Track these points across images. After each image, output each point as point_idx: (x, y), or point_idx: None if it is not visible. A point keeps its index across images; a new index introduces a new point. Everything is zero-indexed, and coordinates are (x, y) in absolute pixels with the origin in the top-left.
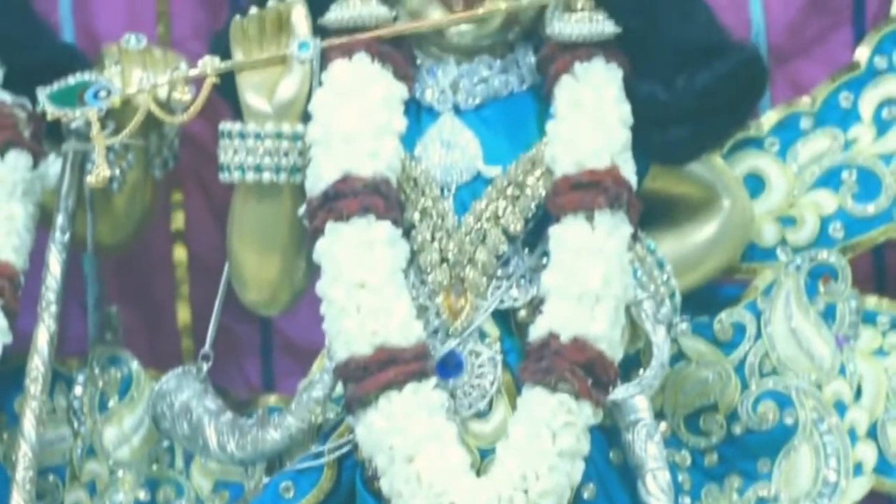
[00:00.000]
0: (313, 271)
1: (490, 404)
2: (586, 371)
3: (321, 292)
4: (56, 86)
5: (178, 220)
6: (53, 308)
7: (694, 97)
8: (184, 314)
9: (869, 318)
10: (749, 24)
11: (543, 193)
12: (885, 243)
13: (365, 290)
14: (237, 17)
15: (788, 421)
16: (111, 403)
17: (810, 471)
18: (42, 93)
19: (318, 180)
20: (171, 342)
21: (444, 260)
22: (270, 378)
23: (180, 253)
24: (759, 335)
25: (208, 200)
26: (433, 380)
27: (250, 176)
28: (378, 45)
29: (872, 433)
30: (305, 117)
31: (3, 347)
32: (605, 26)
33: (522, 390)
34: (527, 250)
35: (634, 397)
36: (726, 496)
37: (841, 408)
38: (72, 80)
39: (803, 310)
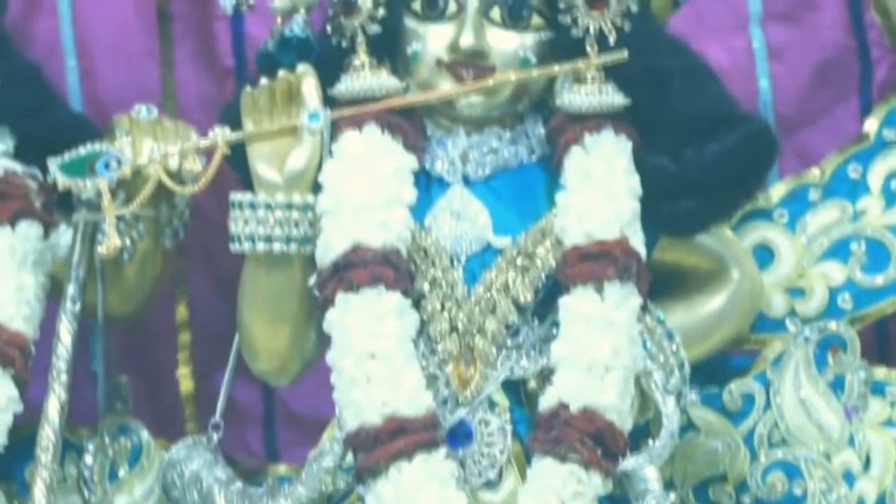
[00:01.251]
0: (323, 341)
1: (500, 474)
2: (596, 441)
3: (331, 362)
4: (67, 156)
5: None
6: (64, 377)
7: (703, 169)
8: (186, 383)
9: (878, 389)
10: (757, 95)
11: (553, 264)
12: (893, 314)
13: (375, 360)
14: (248, 87)
15: (797, 491)
16: (121, 473)
17: None
18: (53, 163)
19: (329, 251)
20: (174, 410)
21: (453, 330)
22: (273, 447)
23: (184, 321)
24: (768, 406)
25: (213, 271)
26: (443, 450)
27: (261, 246)
28: (388, 116)
29: None
30: (316, 188)
31: (14, 417)
32: (614, 98)
33: (532, 460)
34: (536, 320)
35: (644, 467)
36: None
37: (850, 478)
38: (83, 150)
39: (812, 380)
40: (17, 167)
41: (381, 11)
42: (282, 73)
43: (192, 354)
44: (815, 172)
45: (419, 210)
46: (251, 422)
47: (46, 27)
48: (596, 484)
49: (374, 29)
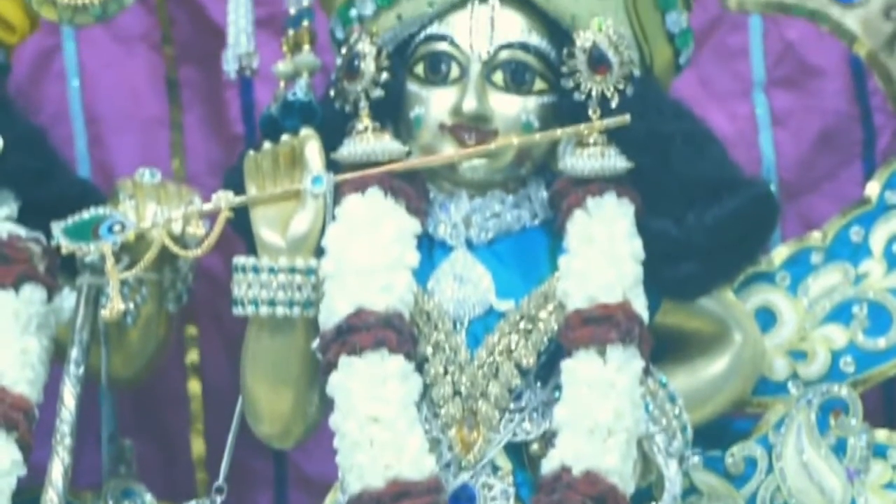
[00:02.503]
0: (326, 405)
1: None
2: None
3: (334, 426)
4: (71, 220)
5: (193, 354)
6: (68, 441)
7: (704, 234)
8: (198, 447)
9: (879, 452)
10: (760, 161)
11: (556, 328)
12: (895, 377)
13: (378, 423)
14: (251, 151)
15: None
16: None
17: None
18: (57, 227)
19: (332, 314)
20: (185, 475)
21: (456, 393)
22: None
23: (195, 386)
24: (770, 469)
25: (223, 334)
26: None
27: (264, 310)
28: (391, 180)
29: None
30: (319, 252)
31: (18, 480)
32: (617, 162)
33: None
34: (539, 384)
35: None
36: None
37: None
38: (86, 214)
39: (815, 444)
40: (21, 231)
41: (384, 76)
42: (285, 137)
43: (203, 417)
44: (817, 236)
45: (422, 274)
46: (262, 485)
47: (55, 92)
48: None
49: (377, 93)
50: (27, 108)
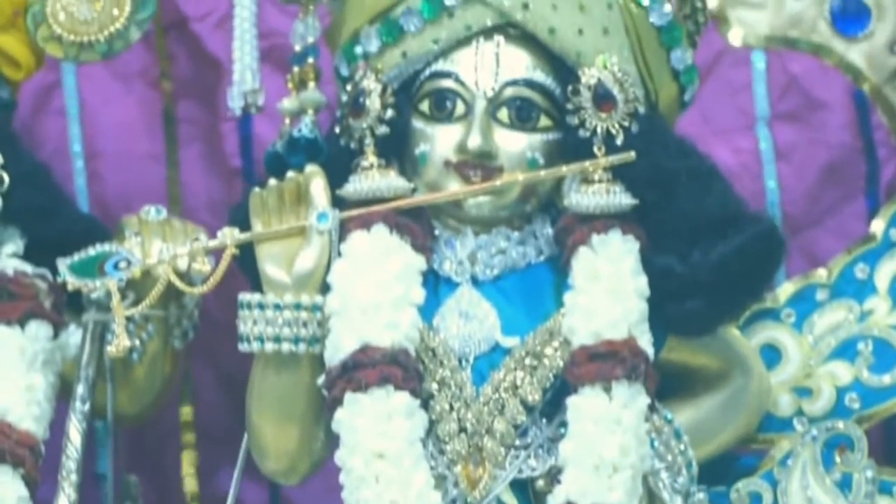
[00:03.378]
0: (332, 441)
1: None
2: None
3: (340, 462)
4: (76, 256)
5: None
6: (73, 477)
7: (709, 270)
8: (191, 484)
9: (885, 489)
10: (764, 196)
11: (561, 364)
12: None
13: (383, 460)
14: (256, 188)
15: None
16: None
17: None
18: (62, 263)
19: (337, 351)
20: None
21: (462, 430)
22: None
23: (189, 421)
24: None
25: (218, 371)
26: None
27: (269, 346)
28: (396, 217)
29: None
30: (324, 288)
31: None
32: (621, 198)
33: None
34: (545, 420)
35: None
36: None
37: None
38: (92, 250)
39: (820, 480)
40: (27, 268)
41: (390, 113)
42: (290, 173)
43: (197, 455)
44: (822, 273)
45: (427, 310)
46: None
47: (54, 128)
48: None
49: (383, 130)
50: (29, 144)
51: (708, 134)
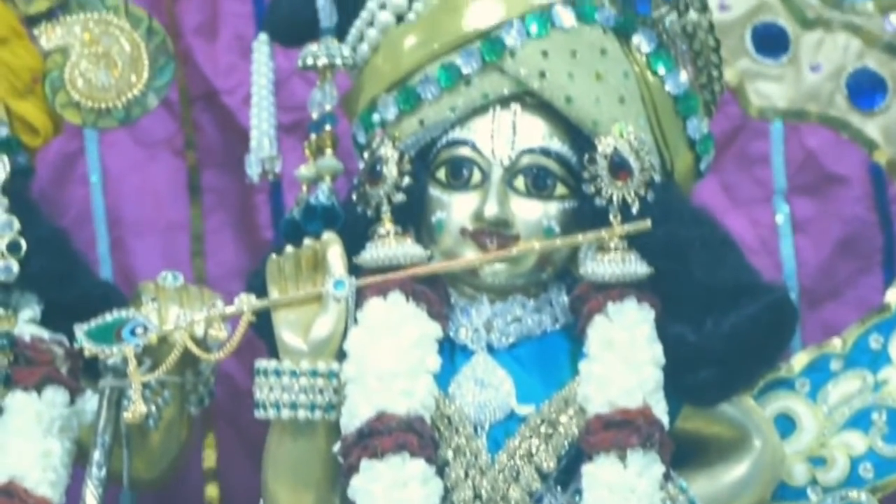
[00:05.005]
0: None
1: None
2: None
3: None
4: (93, 322)
5: (210, 458)
6: None
7: (723, 340)
8: None
9: None
10: (781, 267)
11: (576, 432)
12: None
13: None
14: (273, 255)
15: None
16: None
17: None
18: (79, 329)
19: (353, 418)
20: None
21: (477, 497)
22: None
23: (213, 490)
24: None
25: (241, 437)
26: None
27: (285, 413)
28: (413, 284)
29: None
30: (341, 355)
31: None
32: (637, 267)
33: None
34: (559, 488)
35: None
36: None
37: None
38: (109, 316)
39: None
40: (44, 333)
41: (406, 180)
42: (307, 240)
43: None
44: (836, 343)
45: (443, 378)
46: None
47: (78, 196)
48: None
49: (399, 198)
50: (51, 210)
51: (726, 206)
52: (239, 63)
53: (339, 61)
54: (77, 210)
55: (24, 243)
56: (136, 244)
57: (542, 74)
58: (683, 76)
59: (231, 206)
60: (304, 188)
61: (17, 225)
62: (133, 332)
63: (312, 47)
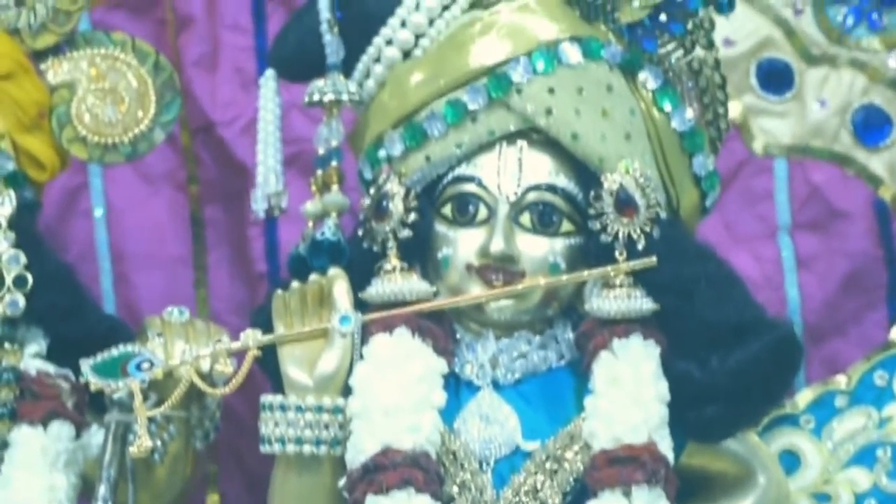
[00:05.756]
0: None
1: None
2: None
3: None
4: (99, 357)
5: (214, 496)
6: None
7: (727, 377)
8: None
9: None
10: (785, 303)
11: (581, 468)
12: None
13: None
14: (279, 290)
15: None
16: None
17: None
18: (85, 364)
19: (359, 453)
20: None
21: None
22: None
23: None
24: None
25: (244, 472)
26: None
27: (291, 448)
28: (418, 320)
29: None
30: (346, 390)
31: None
32: (643, 303)
33: None
34: None
35: None
36: None
37: None
38: (115, 351)
39: None
40: (50, 368)
41: (412, 216)
42: (313, 276)
43: None
44: (841, 379)
45: (449, 413)
46: None
47: (81, 231)
48: None
49: (405, 233)
50: (55, 245)
51: (730, 242)
52: (238, 96)
53: (345, 97)
54: (80, 244)
55: (30, 278)
56: (139, 278)
57: (549, 111)
58: (689, 113)
59: (228, 239)
60: (310, 224)
61: (23, 259)
62: (139, 367)
63: (319, 83)
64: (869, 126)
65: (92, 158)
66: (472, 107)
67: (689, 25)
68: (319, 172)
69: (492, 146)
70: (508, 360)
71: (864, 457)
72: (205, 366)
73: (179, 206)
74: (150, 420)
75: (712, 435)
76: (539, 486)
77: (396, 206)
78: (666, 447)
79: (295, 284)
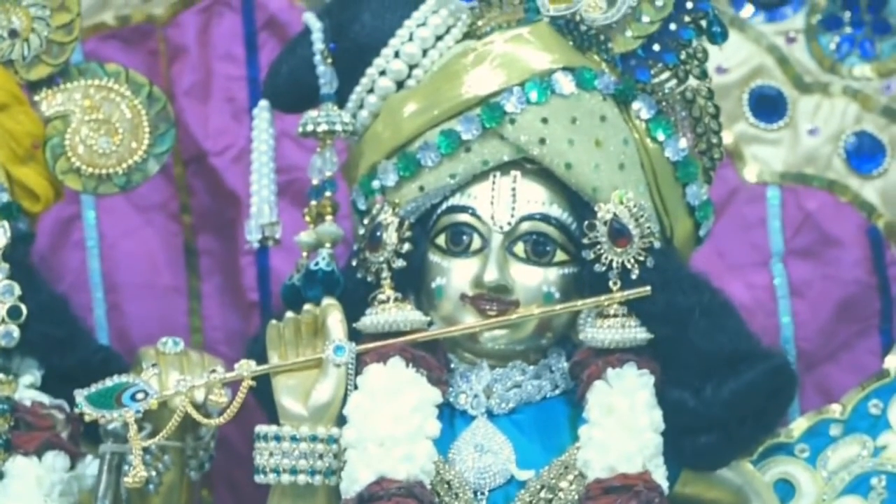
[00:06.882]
0: None
1: None
2: None
3: None
4: (94, 387)
5: None
6: None
7: (722, 406)
8: None
9: None
10: (779, 331)
11: (576, 497)
12: None
13: None
14: (273, 320)
15: None
16: None
17: None
18: (80, 395)
19: (353, 483)
20: None
21: None
22: None
23: None
24: None
25: (239, 502)
26: None
27: (285, 478)
28: (412, 350)
29: None
30: (341, 420)
31: None
32: (637, 333)
33: None
34: None
35: None
36: None
37: None
38: (109, 381)
39: None
40: (45, 399)
41: (406, 247)
42: (307, 306)
43: None
44: (835, 408)
45: (443, 443)
46: None
47: (74, 261)
48: None
49: (399, 264)
50: (48, 276)
51: (723, 269)
52: (230, 125)
53: (339, 128)
54: (73, 275)
55: (24, 309)
56: (132, 308)
57: (542, 141)
58: (683, 143)
59: (221, 268)
60: (305, 254)
61: (17, 291)
62: (133, 398)
63: (312, 114)
64: (862, 154)
65: (86, 189)
66: (465, 137)
67: (683, 55)
68: (313, 203)
69: (485, 176)
70: (503, 389)
71: (859, 486)
72: (199, 396)
73: (172, 236)
74: (145, 450)
75: (707, 463)
76: None
77: (390, 237)
78: (660, 476)
79: (289, 314)
